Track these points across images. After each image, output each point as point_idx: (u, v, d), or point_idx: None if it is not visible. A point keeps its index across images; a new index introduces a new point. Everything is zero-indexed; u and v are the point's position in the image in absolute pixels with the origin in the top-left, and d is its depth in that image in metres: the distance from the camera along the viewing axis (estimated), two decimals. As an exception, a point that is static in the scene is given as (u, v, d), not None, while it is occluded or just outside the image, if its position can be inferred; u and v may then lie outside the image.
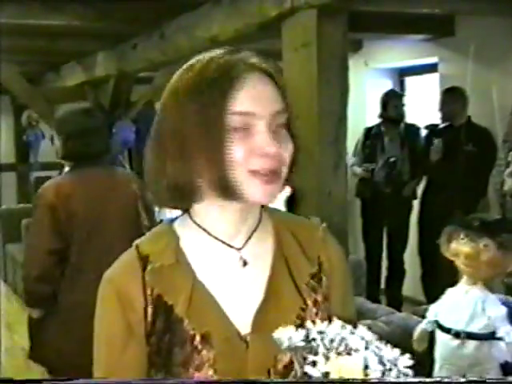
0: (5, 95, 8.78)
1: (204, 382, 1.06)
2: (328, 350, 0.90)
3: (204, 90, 1.03)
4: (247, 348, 1.06)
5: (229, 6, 3.79)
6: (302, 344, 0.91)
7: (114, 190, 2.79)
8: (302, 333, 0.93)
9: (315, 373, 0.89)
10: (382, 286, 5.48)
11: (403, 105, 5.29)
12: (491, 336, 2.36)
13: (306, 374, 0.90)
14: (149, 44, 5.09)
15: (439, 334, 2.48)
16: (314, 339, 0.91)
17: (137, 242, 1.14)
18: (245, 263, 1.11)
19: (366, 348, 0.90)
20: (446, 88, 5.00)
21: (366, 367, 0.89)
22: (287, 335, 0.93)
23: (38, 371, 2.79)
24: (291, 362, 0.96)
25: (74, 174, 2.78)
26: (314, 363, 0.89)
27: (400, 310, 3.67)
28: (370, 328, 0.93)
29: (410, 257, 5.30)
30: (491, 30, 4.78)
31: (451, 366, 2.42)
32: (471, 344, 2.38)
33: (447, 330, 2.44)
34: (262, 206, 1.15)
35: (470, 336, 2.38)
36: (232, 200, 1.06)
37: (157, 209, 4.61)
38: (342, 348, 0.90)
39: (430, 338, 2.55)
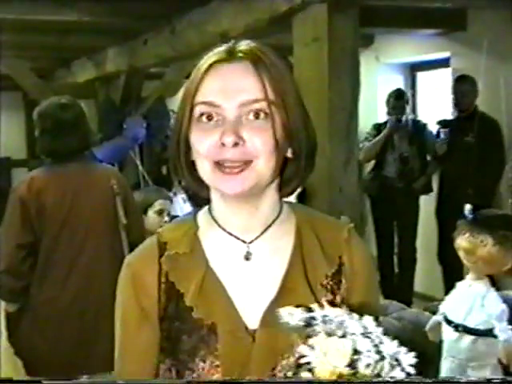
0: (16, 91, 8.81)
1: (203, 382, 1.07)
2: (327, 332, 0.88)
3: (188, 84, 1.08)
4: (253, 342, 1.06)
5: (239, 1, 3.78)
6: (302, 323, 0.90)
7: (88, 186, 2.73)
8: (304, 312, 0.91)
9: (311, 355, 0.87)
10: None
11: (403, 106, 5.25)
12: (489, 332, 2.35)
13: (299, 365, 0.88)
14: (159, 40, 5.09)
15: (444, 326, 2.48)
16: (314, 319, 0.90)
17: (160, 228, 1.16)
18: (247, 258, 1.10)
19: (364, 335, 0.88)
20: (457, 76, 4.96)
21: (357, 352, 0.87)
22: (288, 311, 0.92)
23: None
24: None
25: (49, 169, 2.75)
26: (311, 347, 0.88)
27: (411, 306, 3.65)
28: (379, 323, 0.91)
29: (421, 252, 5.28)
30: (503, 25, 4.74)
31: (453, 359, 2.43)
32: (468, 338, 2.38)
33: (449, 323, 2.44)
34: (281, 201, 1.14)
35: (467, 330, 2.38)
36: (217, 189, 1.08)
37: (164, 205, 4.64)
38: (340, 332, 0.88)
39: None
